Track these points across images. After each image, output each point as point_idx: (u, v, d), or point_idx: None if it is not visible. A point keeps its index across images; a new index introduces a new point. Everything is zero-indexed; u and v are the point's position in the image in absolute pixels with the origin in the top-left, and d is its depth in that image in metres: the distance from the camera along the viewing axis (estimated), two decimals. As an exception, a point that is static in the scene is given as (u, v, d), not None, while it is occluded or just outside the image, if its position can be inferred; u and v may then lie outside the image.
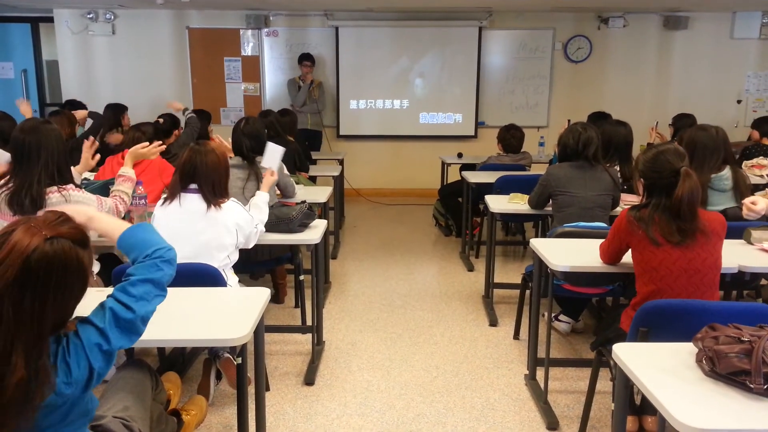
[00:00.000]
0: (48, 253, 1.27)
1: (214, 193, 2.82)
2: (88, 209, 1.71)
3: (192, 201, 2.82)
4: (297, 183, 4.33)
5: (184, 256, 2.77)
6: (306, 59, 7.10)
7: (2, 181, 2.79)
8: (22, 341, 1.22)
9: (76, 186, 2.83)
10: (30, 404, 1.23)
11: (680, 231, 2.34)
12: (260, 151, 3.87)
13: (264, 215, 3.14)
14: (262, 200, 3.18)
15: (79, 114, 5.53)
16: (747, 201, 2.71)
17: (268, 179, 3.39)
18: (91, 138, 3.51)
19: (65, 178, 2.78)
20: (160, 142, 3.54)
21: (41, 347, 1.26)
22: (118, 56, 7.78)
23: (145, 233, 1.58)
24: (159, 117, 5.00)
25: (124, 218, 3.22)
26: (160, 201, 2.92)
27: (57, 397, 1.29)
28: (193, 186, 2.82)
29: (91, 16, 7.62)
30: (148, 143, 3.47)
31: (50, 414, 1.33)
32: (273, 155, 3.60)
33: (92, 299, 2.28)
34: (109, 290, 2.36)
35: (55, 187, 2.72)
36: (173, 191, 2.85)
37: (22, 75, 8.28)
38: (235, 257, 2.96)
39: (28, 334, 1.24)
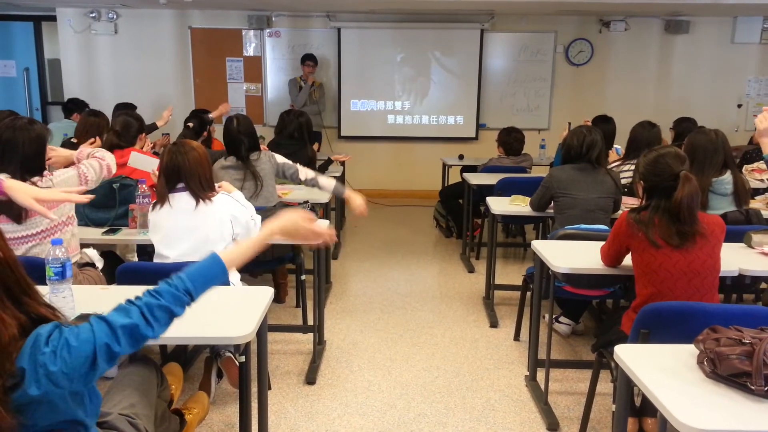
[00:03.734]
0: None
1: (203, 187, 2.83)
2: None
3: (181, 200, 2.83)
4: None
5: (182, 253, 2.80)
6: (308, 59, 7.11)
7: None
8: None
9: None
10: None
11: (680, 234, 2.35)
12: (256, 148, 3.88)
13: (250, 209, 3.05)
14: (237, 197, 3.07)
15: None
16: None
17: (228, 187, 3.24)
18: (97, 139, 3.49)
19: (40, 171, 2.74)
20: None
21: None
22: (120, 55, 7.80)
23: (213, 274, 1.58)
24: (187, 120, 5.09)
25: (126, 215, 3.23)
26: (150, 207, 2.92)
27: (54, 388, 1.28)
28: (180, 185, 2.83)
29: (93, 15, 7.63)
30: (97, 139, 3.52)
31: (50, 412, 1.31)
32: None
33: (95, 296, 2.31)
34: (112, 288, 2.39)
35: (36, 177, 2.70)
36: (161, 194, 2.84)
37: (25, 73, 8.29)
38: None
39: None
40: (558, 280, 2.91)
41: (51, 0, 7.39)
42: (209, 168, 2.91)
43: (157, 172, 3.05)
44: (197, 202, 2.81)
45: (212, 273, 1.58)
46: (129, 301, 1.43)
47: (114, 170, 3.03)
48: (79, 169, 2.85)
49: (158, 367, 2.10)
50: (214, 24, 7.74)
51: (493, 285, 4.26)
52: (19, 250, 2.70)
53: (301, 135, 4.84)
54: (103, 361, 1.33)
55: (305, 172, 3.81)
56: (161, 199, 2.84)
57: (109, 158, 3.02)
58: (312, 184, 3.78)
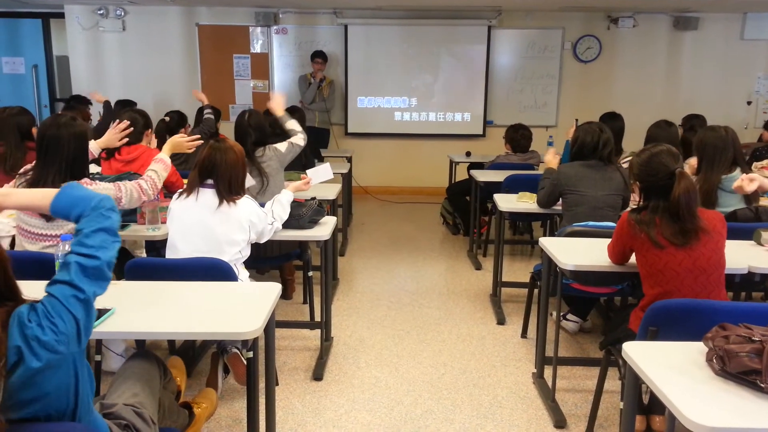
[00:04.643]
0: None
1: (230, 190, 2.85)
2: (4, 188, 1.71)
3: (207, 196, 2.85)
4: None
5: (197, 250, 2.81)
6: (318, 57, 7.13)
7: (23, 171, 2.82)
8: None
9: (91, 180, 2.85)
10: None
11: (683, 232, 2.34)
12: (263, 143, 3.89)
13: (285, 213, 3.15)
14: (286, 198, 3.19)
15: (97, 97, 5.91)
16: (746, 177, 2.73)
17: (300, 185, 3.40)
18: (126, 122, 3.51)
19: (81, 174, 2.79)
20: (197, 136, 3.51)
21: None
22: (128, 52, 7.82)
23: (79, 190, 1.57)
24: (166, 115, 5.04)
25: (135, 211, 3.24)
26: (176, 194, 2.95)
27: (54, 355, 1.35)
28: (210, 181, 2.85)
29: (101, 12, 7.66)
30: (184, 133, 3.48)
31: (53, 376, 1.37)
32: (322, 173, 3.97)
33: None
34: (121, 283, 2.40)
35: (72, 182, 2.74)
36: (191, 185, 2.88)
37: (33, 70, 8.32)
38: (247, 253, 2.98)
39: None
40: (565, 277, 2.91)
41: (59, -3, 7.42)
42: (243, 171, 2.94)
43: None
44: (220, 202, 2.83)
45: (82, 191, 1.58)
46: (64, 263, 1.48)
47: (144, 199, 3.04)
48: (118, 192, 2.87)
49: (159, 360, 2.12)
50: (221, 21, 7.75)
51: (500, 282, 4.26)
52: (35, 246, 2.72)
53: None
54: (80, 311, 1.40)
55: (297, 137, 4.08)
56: (189, 189, 2.88)
57: (153, 191, 3.01)
58: (294, 134, 4.09)
